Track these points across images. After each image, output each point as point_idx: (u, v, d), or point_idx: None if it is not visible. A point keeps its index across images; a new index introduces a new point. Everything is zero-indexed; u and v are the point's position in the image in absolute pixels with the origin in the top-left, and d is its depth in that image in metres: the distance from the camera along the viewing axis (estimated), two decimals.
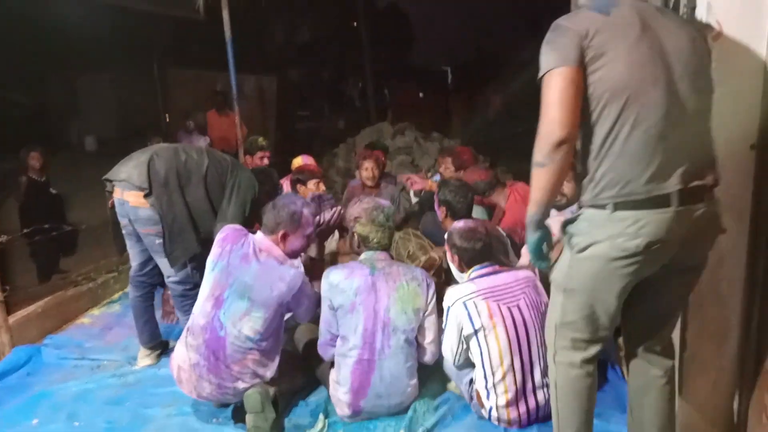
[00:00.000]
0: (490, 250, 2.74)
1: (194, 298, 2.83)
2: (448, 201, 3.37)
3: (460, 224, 2.83)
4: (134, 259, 3.24)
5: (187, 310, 2.96)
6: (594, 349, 1.98)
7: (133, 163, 3.03)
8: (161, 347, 3.40)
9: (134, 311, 3.33)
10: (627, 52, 1.75)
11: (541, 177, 1.80)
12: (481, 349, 2.51)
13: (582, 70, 1.76)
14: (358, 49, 15.87)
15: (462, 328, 2.53)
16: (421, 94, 15.60)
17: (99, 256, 4.55)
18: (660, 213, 1.75)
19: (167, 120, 8.83)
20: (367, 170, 4.77)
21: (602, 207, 1.81)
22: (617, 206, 1.78)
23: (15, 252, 4.13)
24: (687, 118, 1.78)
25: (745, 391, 2.14)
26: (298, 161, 4.80)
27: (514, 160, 4.77)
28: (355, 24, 16.10)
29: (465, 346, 2.59)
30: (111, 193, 3.14)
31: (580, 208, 1.90)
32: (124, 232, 3.17)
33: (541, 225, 1.87)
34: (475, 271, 2.68)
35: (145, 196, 2.95)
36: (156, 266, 3.20)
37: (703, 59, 1.85)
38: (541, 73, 1.80)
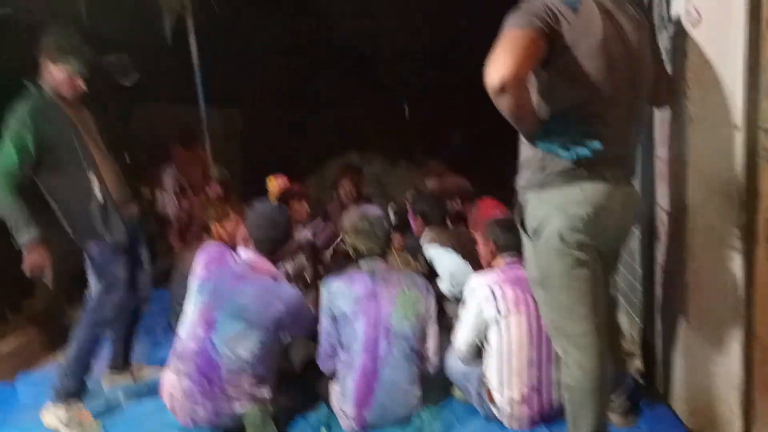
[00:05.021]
0: (520, 241, 2.77)
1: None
2: (424, 210, 3.45)
3: (497, 214, 2.91)
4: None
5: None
6: (599, 343, 1.98)
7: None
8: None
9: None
10: (588, 59, 1.81)
11: (506, 115, 1.78)
12: (501, 337, 2.44)
13: (546, 42, 1.74)
14: (317, 86, 16.03)
15: (483, 312, 2.47)
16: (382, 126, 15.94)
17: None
18: (600, 185, 1.90)
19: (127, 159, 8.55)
20: (344, 187, 4.60)
21: (550, 186, 1.91)
22: (564, 183, 1.89)
23: None
24: (628, 117, 1.95)
25: (750, 376, 2.14)
26: (274, 182, 4.63)
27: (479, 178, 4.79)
28: (312, 62, 16.27)
29: (480, 335, 2.51)
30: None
31: (524, 195, 1.98)
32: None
33: (540, 133, 1.87)
34: (504, 259, 2.64)
35: None
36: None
37: (649, 53, 1.99)
38: (503, 32, 1.73)
